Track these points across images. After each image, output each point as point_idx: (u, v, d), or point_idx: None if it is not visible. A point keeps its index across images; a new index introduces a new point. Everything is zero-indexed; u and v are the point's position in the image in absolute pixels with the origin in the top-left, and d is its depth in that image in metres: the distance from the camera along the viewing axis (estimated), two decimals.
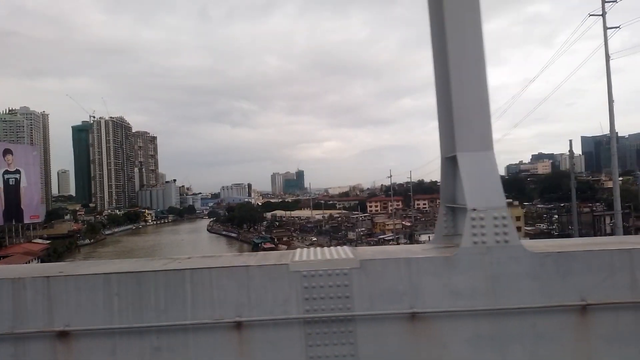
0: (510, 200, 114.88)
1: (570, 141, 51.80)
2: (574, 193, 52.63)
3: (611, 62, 26.21)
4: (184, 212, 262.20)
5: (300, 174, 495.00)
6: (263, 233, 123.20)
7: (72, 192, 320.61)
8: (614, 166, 27.93)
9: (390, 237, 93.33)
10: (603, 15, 29.46)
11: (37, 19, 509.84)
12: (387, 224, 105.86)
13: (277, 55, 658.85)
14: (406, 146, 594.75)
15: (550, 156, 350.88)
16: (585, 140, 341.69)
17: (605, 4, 28.93)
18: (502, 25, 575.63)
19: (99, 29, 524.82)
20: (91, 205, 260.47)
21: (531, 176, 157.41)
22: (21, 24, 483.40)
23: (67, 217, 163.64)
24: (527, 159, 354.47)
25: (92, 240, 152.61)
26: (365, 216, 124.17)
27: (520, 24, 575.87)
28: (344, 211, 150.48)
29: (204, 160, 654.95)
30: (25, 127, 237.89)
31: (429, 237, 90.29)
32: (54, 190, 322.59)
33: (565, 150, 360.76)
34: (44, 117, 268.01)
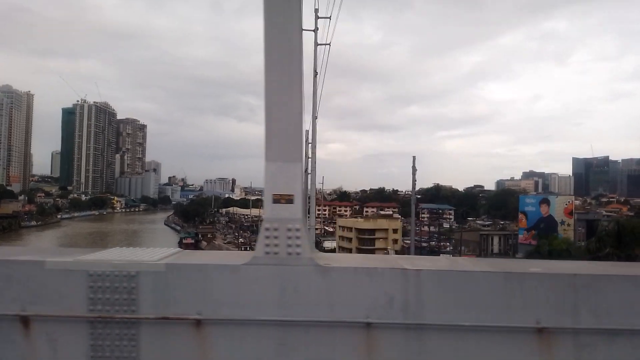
0: (391, 212, 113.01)
1: (414, 158, 49.37)
2: (413, 210, 50.96)
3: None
4: (157, 202, 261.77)
5: None
6: (194, 229, 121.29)
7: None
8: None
9: None
10: (315, 31, 27.87)
11: None
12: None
13: None
14: (410, 154, 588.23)
15: (541, 175, 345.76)
16: (576, 161, 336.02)
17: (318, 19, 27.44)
18: (518, 39, 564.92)
19: (111, 12, 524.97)
20: (69, 188, 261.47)
21: (483, 192, 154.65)
22: (33, 1, 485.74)
23: (21, 197, 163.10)
24: (519, 175, 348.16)
25: (38, 223, 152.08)
26: None
27: (535, 39, 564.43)
28: None
29: (206, 152, 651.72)
30: (5, 106, 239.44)
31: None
32: (46, 171, 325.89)
33: (563, 170, 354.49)
34: (29, 96, 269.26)
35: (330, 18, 28.29)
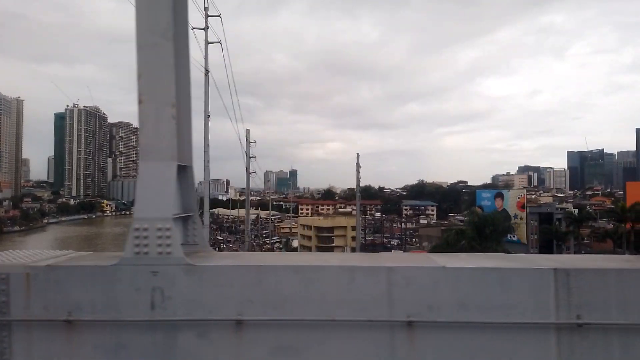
0: (350, 210, 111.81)
1: (358, 155, 48.51)
2: (358, 207, 50.29)
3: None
4: None
5: (293, 173, 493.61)
6: None
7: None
8: None
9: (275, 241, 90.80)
10: (205, 29, 27.44)
11: (45, 3, 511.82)
12: (283, 228, 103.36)
13: (286, 53, 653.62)
14: (409, 151, 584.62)
15: (537, 169, 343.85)
16: (571, 155, 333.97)
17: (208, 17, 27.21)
18: (515, 34, 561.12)
19: (107, 17, 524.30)
20: (61, 192, 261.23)
21: (466, 188, 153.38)
22: (30, 7, 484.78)
23: (6, 203, 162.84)
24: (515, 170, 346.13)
25: (22, 228, 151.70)
26: (275, 218, 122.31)
27: (533, 33, 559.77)
28: (276, 212, 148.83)
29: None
30: None
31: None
32: (43, 177, 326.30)
33: (561, 164, 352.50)
34: (19, 102, 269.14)
35: (220, 16, 27.78)
